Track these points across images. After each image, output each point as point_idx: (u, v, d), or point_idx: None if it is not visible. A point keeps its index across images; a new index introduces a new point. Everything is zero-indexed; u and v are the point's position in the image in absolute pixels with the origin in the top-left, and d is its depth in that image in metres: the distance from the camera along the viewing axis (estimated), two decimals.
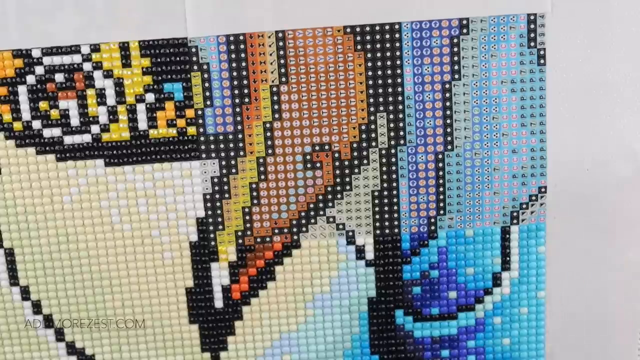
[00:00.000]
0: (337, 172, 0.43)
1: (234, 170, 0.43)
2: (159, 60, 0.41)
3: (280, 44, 0.41)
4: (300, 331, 0.46)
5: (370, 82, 0.42)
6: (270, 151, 0.43)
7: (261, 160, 0.43)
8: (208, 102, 0.42)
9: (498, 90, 0.42)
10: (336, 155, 0.43)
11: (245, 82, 0.42)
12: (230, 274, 0.45)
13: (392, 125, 0.43)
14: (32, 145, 0.42)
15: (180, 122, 0.42)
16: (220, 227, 0.44)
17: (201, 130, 0.42)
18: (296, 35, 0.41)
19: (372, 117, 0.43)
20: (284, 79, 0.42)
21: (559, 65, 0.42)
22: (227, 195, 0.44)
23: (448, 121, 0.43)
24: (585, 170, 0.44)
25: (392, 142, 0.43)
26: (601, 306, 0.46)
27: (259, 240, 0.44)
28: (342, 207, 0.44)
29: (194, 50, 0.41)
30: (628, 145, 0.43)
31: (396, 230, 0.45)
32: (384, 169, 0.43)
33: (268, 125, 0.42)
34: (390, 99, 0.42)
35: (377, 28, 0.41)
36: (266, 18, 0.41)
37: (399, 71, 0.42)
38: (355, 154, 0.43)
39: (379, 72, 0.42)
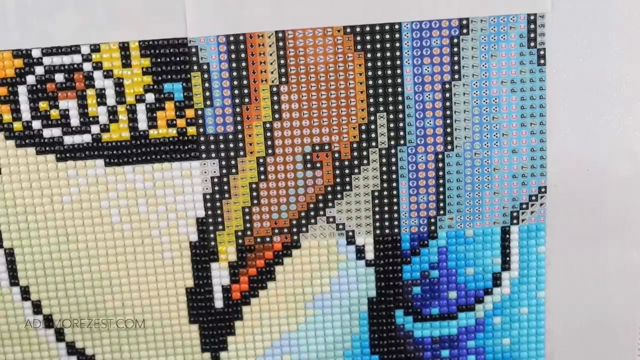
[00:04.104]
0: (337, 172, 0.43)
1: (234, 170, 0.43)
2: (159, 60, 0.41)
3: (280, 44, 0.41)
4: (300, 331, 0.46)
5: (370, 82, 0.42)
6: (270, 151, 0.43)
7: (261, 160, 0.43)
8: (208, 102, 0.42)
9: (498, 90, 0.42)
10: (336, 155, 0.43)
11: (245, 82, 0.42)
12: (230, 274, 0.45)
13: (392, 125, 0.43)
14: (32, 145, 0.42)
15: (180, 122, 0.42)
16: (220, 227, 0.44)
17: (201, 130, 0.42)
18: (296, 35, 0.41)
19: (372, 117, 0.43)
20: (284, 79, 0.42)
21: (559, 65, 0.42)
22: (227, 195, 0.44)
23: (448, 121, 0.43)
24: (585, 170, 0.44)
25: (392, 142, 0.43)
26: (601, 306, 0.46)
27: (259, 240, 0.44)
28: (342, 207, 0.44)
29: (194, 50, 0.41)
30: (628, 146, 0.43)
31: (396, 230, 0.45)
32: (384, 169, 0.43)
33: (268, 125, 0.42)
34: (390, 99, 0.42)
35: (377, 28, 0.41)
36: (266, 18, 0.41)
37: (399, 71, 0.42)
38: (355, 154, 0.43)
39: (379, 72, 0.42)
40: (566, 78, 0.42)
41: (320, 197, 0.44)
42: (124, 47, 0.41)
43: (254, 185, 0.44)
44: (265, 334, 0.46)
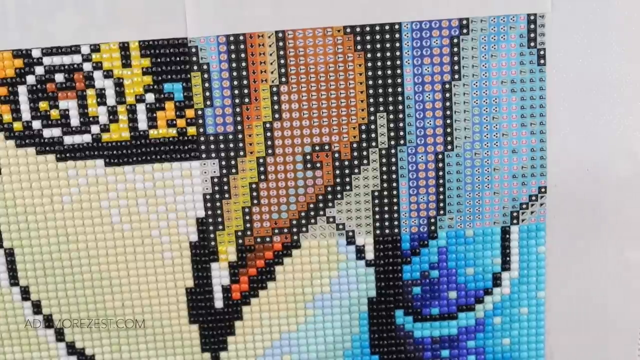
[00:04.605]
0: (337, 172, 0.43)
1: (234, 170, 0.43)
2: (159, 60, 0.41)
3: (280, 44, 0.41)
4: (300, 331, 0.46)
5: (370, 82, 0.42)
6: (270, 151, 0.43)
7: (261, 160, 0.43)
8: (208, 102, 0.42)
9: (498, 90, 0.42)
10: (336, 155, 0.43)
11: (245, 82, 0.42)
12: (230, 274, 0.45)
13: (392, 125, 0.43)
14: (32, 145, 0.42)
15: (180, 122, 0.42)
16: (220, 227, 0.44)
17: (201, 130, 0.42)
18: (296, 35, 0.41)
19: (372, 117, 0.43)
20: (284, 79, 0.42)
21: (559, 65, 0.42)
22: (227, 195, 0.44)
23: (448, 121, 0.43)
24: (585, 170, 0.44)
25: (392, 142, 0.43)
26: (601, 306, 0.46)
27: (259, 240, 0.44)
28: (342, 207, 0.44)
29: (194, 50, 0.41)
30: (628, 146, 0.43)
31: (396, 230, 0.45)
32: (384, 169, 0.43)
33: (268, 125, 0.42)
34: (390, 99, 0.42)
35: (377, 28, 0.41)
36: (266, 18, 0.41)
37: (399, 71, 0.42)
38: (355, 154, 0.43)
39: (379, 72, 0.42)
40: (566, 78, 0.42)
41: (320, 197, 0.44)
42: (124, 47, 0.41)
43: (254, 185, 0.44)
44: (265, 334, 0.46)
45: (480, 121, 0.43)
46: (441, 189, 0.44)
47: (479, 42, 0.42)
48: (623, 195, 0.44)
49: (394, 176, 0.44)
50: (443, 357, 0.47)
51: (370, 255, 0.45)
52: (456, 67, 0.42)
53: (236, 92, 0.42)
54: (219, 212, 0.44)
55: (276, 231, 0.44)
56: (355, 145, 0.43)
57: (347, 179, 0.44)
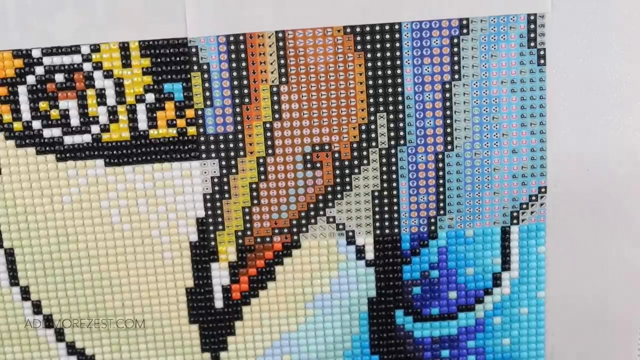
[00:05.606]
0: (337, 172, 0.43)
1: (234, 170, 0.43)
2: (159, 60, 0.41)
3: (280, 44, 0.41)
4: (300, 331, 0.46)
5: (370, 82, 0.42)
6: (270, 151, 0.43)
7: (261, 160, 0.43)
8: (208, 102, 0.42)
9: (498, 90, 0.42)
10: (336, 155, 0.43)
11: (245, 82, 0.42)
12: (230, 274, 0.45)
13: (392, 125, 0.43)
14: (32, 145, 0.42)
15: (180, 122, 0.42)
16: (220, 227, 0.44)
17: (201, 130, 0.42)
18: (296, 35, 0.41)
19: (372, 117, 0.43)
20: (284, 79, 0.42)
21: (559, 65, 0.42)
22: (227, 195, 0.44)
23: (448, 121, 0.43)
24: (585, 170, 0.44)
25: (392, 142, 0.43)
26: (601, 306, 0.46)
27: (259, 240, 0.44)
28: (342, 207, 0.44)
29: (194, 50, 0.41)
30: (628, 146, 0.43)
31: (396, 230, 0.45)
32: (384, 169, 0.43)
33: (268, 125, 0.42)
34: (390, 99, 0.42)
35: (377, 28, 0.41)
36: (266, 18, 0.41)
37: (399, 71, 0.42)
38: (355, 154, 0.43)
39: (379, 72, 0.42)
40: (566, 78, 0.42)
41: (320, 197, 0.44)
42: (124, 47, 0.41)
43: (254, 185, 0.44)
44: (265, 334, 0.46)
45: (480, 121, 0.43)
46: (441, 189, 0.44)
47: (479, 42, 0.42)
48: (623, 195, 0.44)
49: (394, 176, 0.44)
50: (443, 357, 0.47)
51: (370, 255, 0.45)
52: (456, 67, 0.42)
53: (236, 92, 0.42)
54: (219, 212, 0.44)
55: (276, 231, 0.44)
56: (355, 145, 0.43)
57: (347, 179, 0.44)
